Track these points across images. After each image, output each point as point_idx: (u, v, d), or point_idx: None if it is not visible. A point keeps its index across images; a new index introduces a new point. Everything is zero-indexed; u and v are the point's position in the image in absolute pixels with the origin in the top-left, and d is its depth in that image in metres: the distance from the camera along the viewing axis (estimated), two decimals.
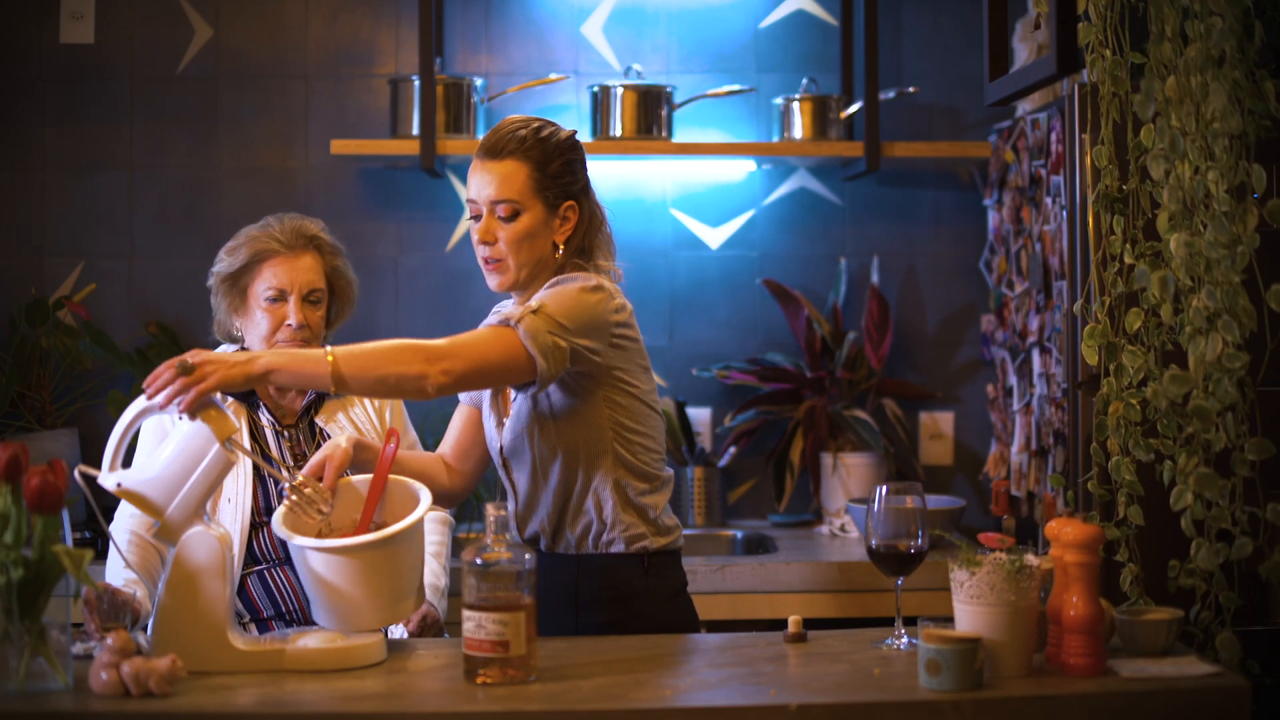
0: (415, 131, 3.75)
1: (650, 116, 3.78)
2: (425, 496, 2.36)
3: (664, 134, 3.79)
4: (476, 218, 2.53)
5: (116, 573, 2.57)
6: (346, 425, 2.81)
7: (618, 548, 2.52)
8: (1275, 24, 2.97)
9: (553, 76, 3.84)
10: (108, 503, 2.37)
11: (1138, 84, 2.36)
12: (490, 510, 2.12)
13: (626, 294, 2.58)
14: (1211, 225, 2.17)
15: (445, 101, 3.74)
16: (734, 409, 3.94)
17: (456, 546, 3.12)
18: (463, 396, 2.70)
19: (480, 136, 3.75)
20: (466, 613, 2.10)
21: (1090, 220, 2.69)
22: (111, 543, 2.51)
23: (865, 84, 3.77)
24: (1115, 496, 2.39)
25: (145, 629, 2.40)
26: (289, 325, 2.76)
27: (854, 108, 3.82)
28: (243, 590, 2.66)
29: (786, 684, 2.12)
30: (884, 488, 2.30)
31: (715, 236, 4.00)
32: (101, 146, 3.90)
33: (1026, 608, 2.10)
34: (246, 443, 2.71)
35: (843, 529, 3.76)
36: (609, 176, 3.89)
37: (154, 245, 3.91)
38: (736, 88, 3.82)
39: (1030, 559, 2.13)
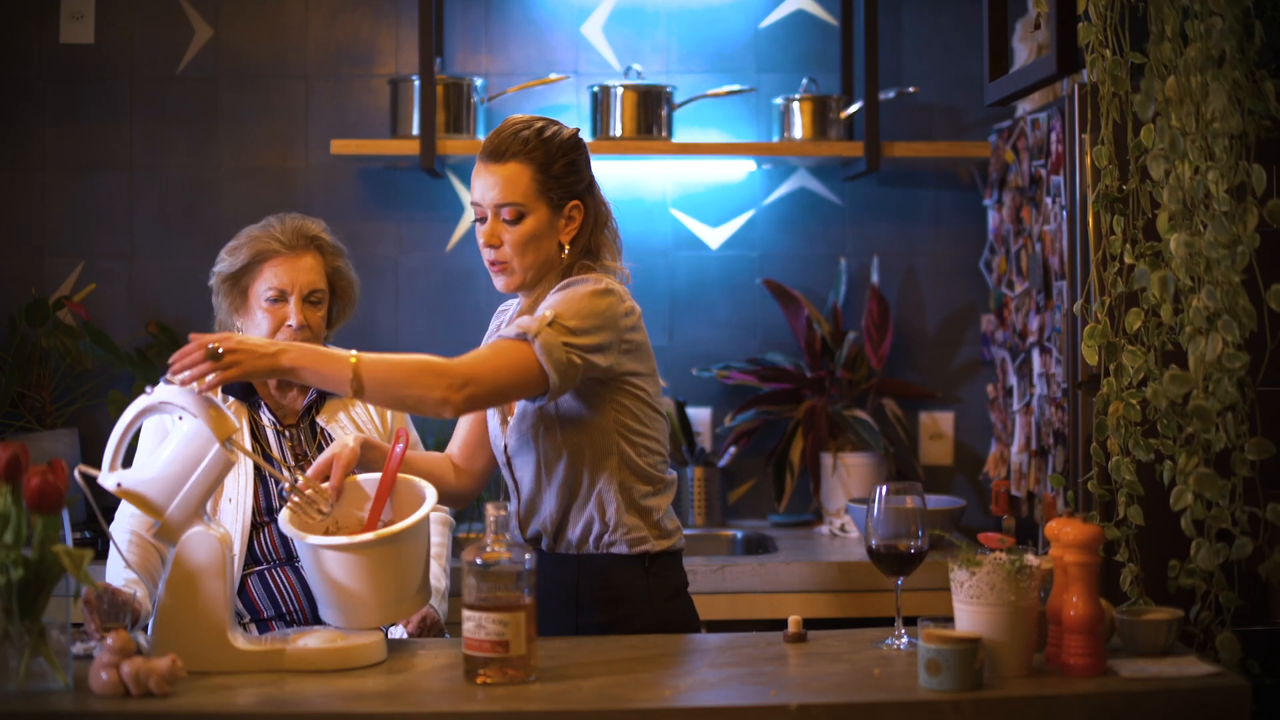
0: (415, 131, 3.75)
1: (650, 116, 3.78)
2: (431, 495, 2.37)
3: (664, 134, 3.79)
4: (481, 220, 2.53)
5: (116, 573, 2.57)
6: (348, 425, 2.81)
7: (619, 549, 2.52)
8: (1275, 24, 2.97)
9: (553, 76, 3.84)
10: (108, 503, 2.37)
11: (1138, 84, 2.36)
12: (490, 510, 2.13)
13: None
14: (1211, 225, 2.17)
15: (445, 101, 3.74)
16: (734, 409, 3.94)
17: (456, 546, 3.12)
18: None
19: (480, 136, 3.77)
20: (466, 613, 2.10)
21: (1090, 220, 2.69)
22: (111, 543, 2.51)
23: (865, 84, 3.77)
24: (1115, 496, 2.39)
25: (145, 629, 2.40)
26: (289, 326, 2.76)
27: (854, 108, 3.82)
28: (243, 590, 2.66)
29: (786, 684, 2.12)
30: (884, 488, 2.30)
31: (715, 236, 4.00)
32: (101, 146, 3.90)
33: (1026, 608, 2.10)
34: (247, 443, 2.71)
35: (843, 529, 3.76)
36: (609, 176, 3.88)
37: (154, 245, 3.91)
38: (736, 88, 3.82)
39: (1030, 559, 2.13)
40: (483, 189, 2.51)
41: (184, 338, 3.79)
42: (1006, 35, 2.90)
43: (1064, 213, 3.13)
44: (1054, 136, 3.28)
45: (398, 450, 2.44)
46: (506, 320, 2.68)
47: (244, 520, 2.66)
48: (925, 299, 4.01)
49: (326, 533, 2.36)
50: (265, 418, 2.78)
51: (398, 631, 2.69)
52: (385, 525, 2.35)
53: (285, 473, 2.47)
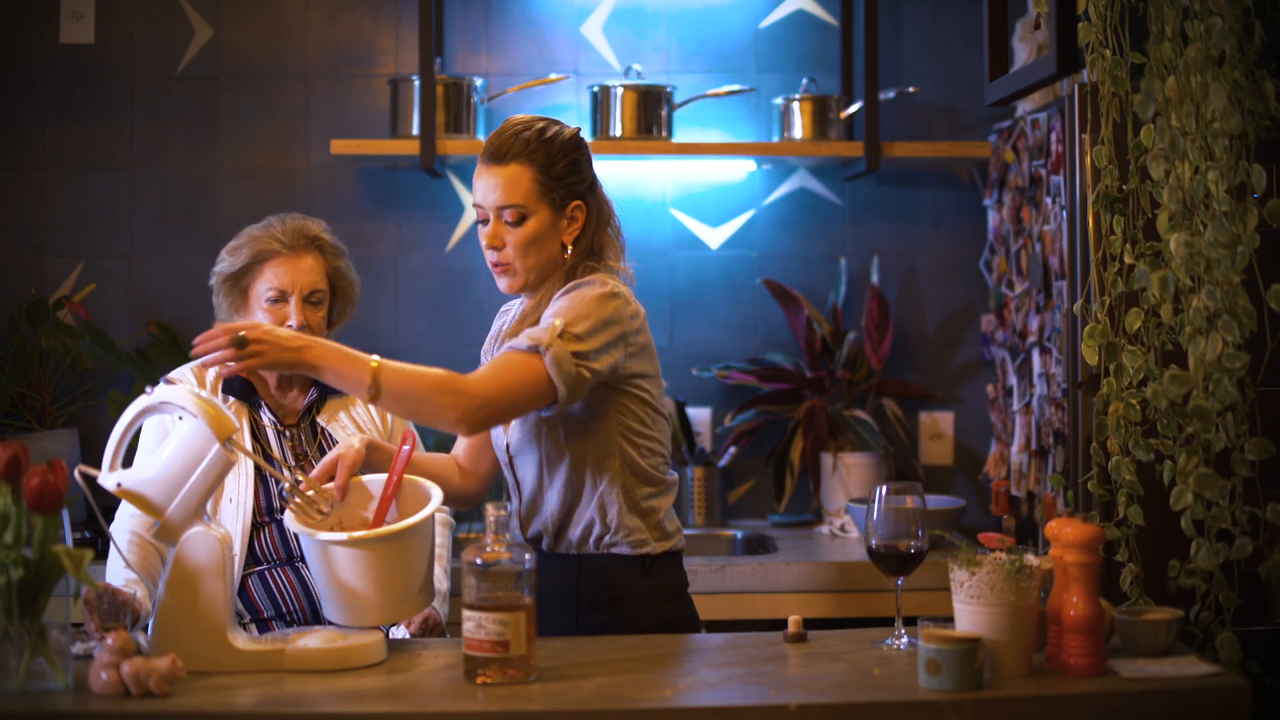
0: (415, 131, 3.75)
1: (650, 116, 3.78)
2: (437, 495, 2.38)
3: (664, 134, 3.79)
4: (484, 221, 2.53)
5: (116, 573, 2.57)
6: (348, 425, 2.81)
7: (620, 549, 2.52)
8: (1275, 24, 2.97)
9: (553, 76, 3.84)
10: (108, 503, 2.37)
11: (1138, 84, 2.36)
12: (490, 510, 2.13)
13: None
14: (1211, 225, 2.17)
15: (445, 101, 3.74)
16: (734, 409, 3.94)
17: (457, 547, 3.12)
18: None
19: (480, 136, 3.77)
20: (466, 613, 2.10)
21: (1090, 220, 2.69)
22: (111, 543, 2.51)
23: (865, 84, 3.77)
24: (1115, 496, 2.39)
25: (145, 629, 2.40)
26: (290, 326, 2.75)
27: (854, 108, 3.82)
28: (243, 590, 2.66)
29: (786, 684, 2.12)
30: (884, 488, 2.30)
31: (715, 236, 4.00)
32: (101, 146, 3.90)
33: (1026, 608, 2.10)
34: (248, 443, 2.71)
35: (843, 529, 3.76)
36: (609, 176, 3.84)
37: (154, 245, 3.91)
38: (736, 88, 3.82)
39: (1030, 559, 2.12)
40: (484, 191, 2.51)
41: (184, 338, 3.80)
42: (1006, 35, 2.90)
43: (1064, 213, 3.13)
44: (1054, 136, 3.28)
45: (404, 451, 2.45)
46: (509, 321, 2.67)
47: (244, 520, 2.66)
48: (925, 299, 4.01)
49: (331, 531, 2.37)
50: (266, 418, 2.78)
51: (400, 632, 2.69)
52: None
53: (285, 473, 2.47)
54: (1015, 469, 3.56)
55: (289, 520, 2.33)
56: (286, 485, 2.37)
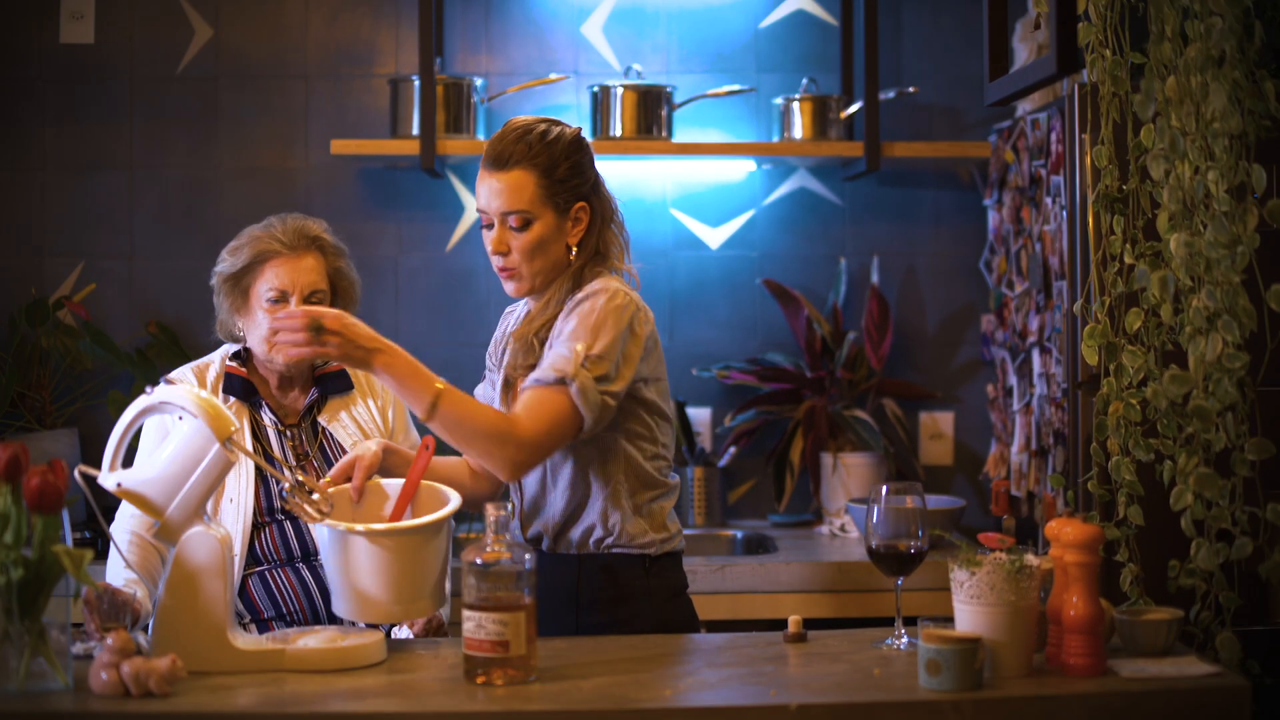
0: (415, 131, 3.75)
1: (650, 116, 3.78)
2: (455, 498, 2.40)
3: (664, 134, 3.79)
4: (488, 227, 2.53)
5: (116, 573, 2.57)
6: (349, 424, 2.81)
7: (620, 550, 2.52)
8: (1275, 24, 2.97)
9: (553, 76, 3.84)
10: (108, 503, 2.37)
11: (1138, 84, 2.36)
12: (490, 510, 2.13)
13: None
14: (1211, 225, 2.17)
15: (445, 101, 3.74)
16: (734, 409, 3.94)
17: (456, 546, 3.12)
18: (480, 395, 2.68)
19: (480, 136, 3.77)
20: (466, 613, 2.10)
21: (1090, 220, 2.69)
22: (111, 543, 2.51)
23: (865, 84, 3.77)
24: (1115, 496, 2.39)
25: (145, 629, 2.40)
26: None
27: (854, 108, 3.82)
28: (243, 591, 2.66)
29: (786, 684, 2.12)
30: (884, 488, 2.30)
31: (715, 236, 4.00)
32: (101, 146, 3.90)
33: (1026, 608, 2.10)
34: (248, 443, 2.71)
35: (843, 529, 3.76)
36: (609, 177, 3.81)
37: (154, 245, 3.91)
38: (736, 88, 3.82)
39: (1030, 559, 2.12)
40: (488, 197, 2.51)
41: (184, 338, 3.80)
42: (1006, 35, 2.90)
43: (1064, 213, 3.13)
44: (1054, 136, 3.28)
45: (424, 455, 2.45)
46: (513, 323, 2.67)
47: (245, 520, 2.66)
48: (925, 299, 4.01)
49: None
50: (266, 417, 2.77)
51: (402, 632, 2.69)
52: None
53: (285, 472, 2.47)
54: (1015, 469, 3.56)
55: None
56: (287, 485, 2.37)
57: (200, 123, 3.92)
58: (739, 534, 3.82)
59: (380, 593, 2.27)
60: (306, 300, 2.78)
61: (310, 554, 2.69)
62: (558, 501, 2.53)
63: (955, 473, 4.00)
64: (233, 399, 2.76)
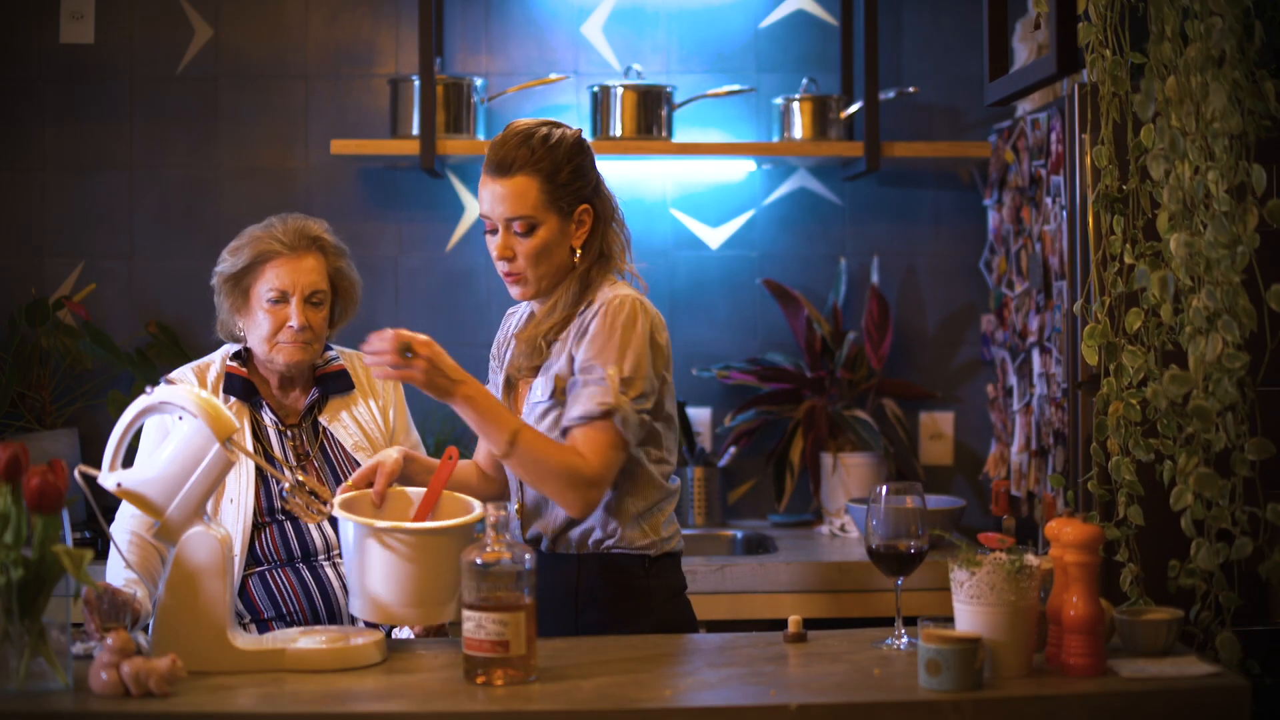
0: (415, 131, 3.75)
1: (650, 116, 3.78)
2: (478, 507, 2.40)
3: (664, 134, 3.79)
4: (492, 232, 2.53)
5: (116, 573, 2.57)
6: (350, 424, 2.81)
7: (620, 551, 2.52)
8: (1275, 24, 2.97)
9: (553, 76, 3.84)
10: (108, 503, 2.37)
11: (1138, 84, 2.36)
12: (490, 510, 2.13)
13: None
14: (1211, 225, 2.17)
15: (445, 101, 3.74)
16: (734, 409, 3.94)
17: None
18: None
19: (480, 136, 3.77)
20: (466, 613, 2.10)
21: (1090, 220, 2.69)
22: (111, 543, 2.51)
23: (865, 84, 3.77)
24: (1115, 496, 2.39)
25: (145, 629, 2.40)
26: (290, 326, 2.75)
27: (854, 108, 3.82)
28: (244, 591, 2.66)
29: (786, 684, 2.12)
30: (884, 488, 2.30)
31: (715, 236, 4.00)
32: (101, 146, 3.90)
33: (1026, 608, 2.10)
34: (249, 443, 2.71)
35: (843, 529, 3.76)
36: (609, 177, 3.81)
37: (154, 245, 3.91)
38: (736, 88, 3.82)
39: (1030, 559, 2.12)
40: (491, 203, 2.51)
41: (184, 338, 3.80)
42: (1006, 35, 2.90)
43: (1064, 213, 3.13)
44: (1054, 136, 3.28)
45: (449, 463, 2.46)
46: (516, 324, 2.68)
47: (245, 520, 2.66)
48: (925, 299, 4.01)
49: None
50: (267, 417, 2.77)
51: (403, 632, 2.69)
52: None
53: (286, 472, 2.47)
54: (1015, 469, 3.56)
55: (336, 507, 2.34)
56: (287, 485, 2.37)
57: (200, 123, 3.92)
58: (739, 534, 3.82)
59: (401, 594, 2.27)
60: (307, 300, 2.78)
61: (310, 554, 2.69)
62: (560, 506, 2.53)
63: (955, 473, 4.00)
64: (233, 399, 2.76)
